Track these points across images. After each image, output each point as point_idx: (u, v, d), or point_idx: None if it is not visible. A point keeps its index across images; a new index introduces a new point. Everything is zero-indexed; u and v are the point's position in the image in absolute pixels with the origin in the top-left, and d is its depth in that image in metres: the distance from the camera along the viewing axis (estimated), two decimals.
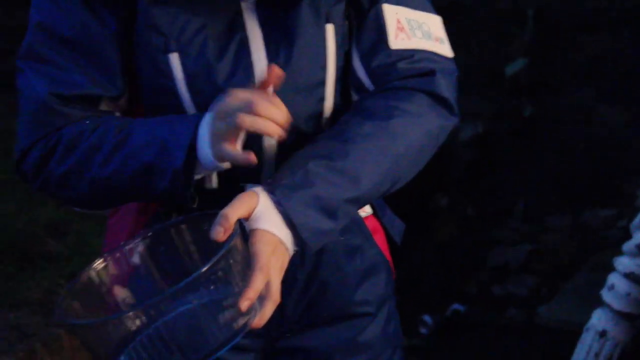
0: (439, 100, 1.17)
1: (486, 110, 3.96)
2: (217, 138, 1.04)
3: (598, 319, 1.61)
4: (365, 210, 1.29)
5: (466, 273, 3.19)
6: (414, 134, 1.15)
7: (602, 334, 1.61)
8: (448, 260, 3.25)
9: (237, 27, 1.16)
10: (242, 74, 1.15)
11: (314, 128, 1.20)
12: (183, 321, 1.00)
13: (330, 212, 1.07)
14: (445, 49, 1.24)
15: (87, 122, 1.14)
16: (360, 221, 1.28)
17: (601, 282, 1.65)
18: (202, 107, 1.12)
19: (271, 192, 1.05)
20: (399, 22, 1.21)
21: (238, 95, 1.05)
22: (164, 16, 1.13)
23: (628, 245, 1.58)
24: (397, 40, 1.20)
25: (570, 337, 1.80)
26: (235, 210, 1.01)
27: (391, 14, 1.20)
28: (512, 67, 4.16)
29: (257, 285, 0.98)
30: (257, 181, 1.15)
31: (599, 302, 1.63)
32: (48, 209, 3.32)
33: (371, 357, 1.30)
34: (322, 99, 1.20)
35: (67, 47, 1.13)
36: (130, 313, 0.96)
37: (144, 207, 1.26)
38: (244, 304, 0.96)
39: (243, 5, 1.16)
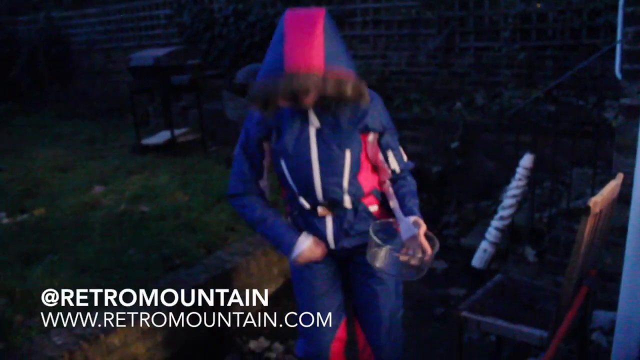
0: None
1: None
2: (300, 253, 2.64)
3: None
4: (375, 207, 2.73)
5: None
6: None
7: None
8: None
9: (305, 122, 2.51)
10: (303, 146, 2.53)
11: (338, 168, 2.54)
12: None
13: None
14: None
15: (254, 204, 2.69)
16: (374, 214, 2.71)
17: None
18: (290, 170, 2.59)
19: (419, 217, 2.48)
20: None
21: (316, 250, 2.66)
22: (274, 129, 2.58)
23: None
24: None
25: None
26: (423, 227, 2.40)
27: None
28: None
29: (428, 248, 2.35)
30: (314, 197, 2.59)
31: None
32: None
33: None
34: (343, 164, 2.52)
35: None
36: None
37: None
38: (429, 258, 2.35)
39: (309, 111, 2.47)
